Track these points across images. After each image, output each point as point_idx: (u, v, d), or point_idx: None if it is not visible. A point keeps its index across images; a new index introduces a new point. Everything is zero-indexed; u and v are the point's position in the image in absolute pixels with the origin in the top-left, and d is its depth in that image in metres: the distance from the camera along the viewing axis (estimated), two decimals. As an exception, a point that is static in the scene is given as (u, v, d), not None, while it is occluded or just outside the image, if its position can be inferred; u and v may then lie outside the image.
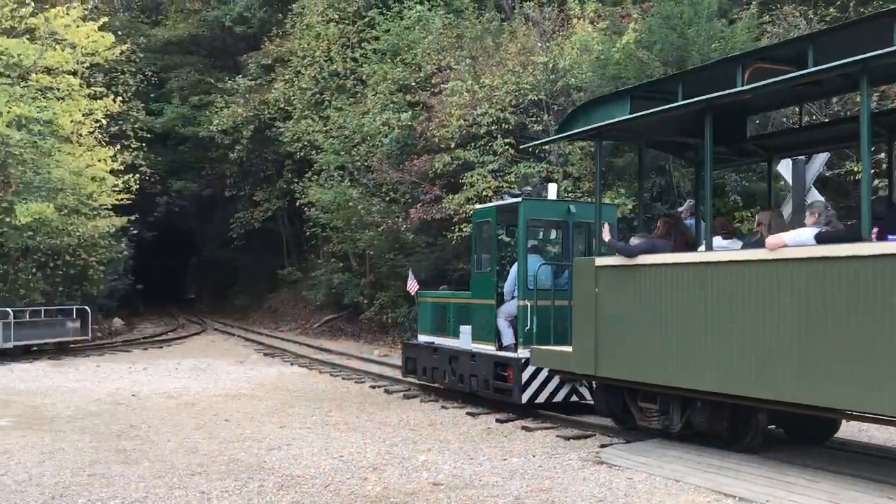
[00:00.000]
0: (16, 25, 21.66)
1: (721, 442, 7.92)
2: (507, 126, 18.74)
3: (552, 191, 11.60)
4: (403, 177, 22.01)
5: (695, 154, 10.04)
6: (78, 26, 22.57)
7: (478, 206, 13.17)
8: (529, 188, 12.22)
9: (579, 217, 10.98)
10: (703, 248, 7.86)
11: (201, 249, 54.43)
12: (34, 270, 23.38)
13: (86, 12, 23.93)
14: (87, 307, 22.51)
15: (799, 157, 10.38)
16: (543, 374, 10.30)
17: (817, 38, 7.27)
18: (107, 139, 26.92)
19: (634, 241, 8.85)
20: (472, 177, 18.75)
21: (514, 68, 19.55)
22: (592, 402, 10.11)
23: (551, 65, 18.94)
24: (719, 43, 15.59)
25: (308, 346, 23.46)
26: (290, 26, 34.36)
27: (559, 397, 10.60)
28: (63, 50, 22.25)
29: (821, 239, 6.72)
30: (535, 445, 8.62)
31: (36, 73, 22.03)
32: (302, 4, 33.03)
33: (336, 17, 30.62)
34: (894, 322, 5.86)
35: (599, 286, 8.62)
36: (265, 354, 21.00)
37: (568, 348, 9.31)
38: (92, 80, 26.38)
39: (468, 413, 10.92)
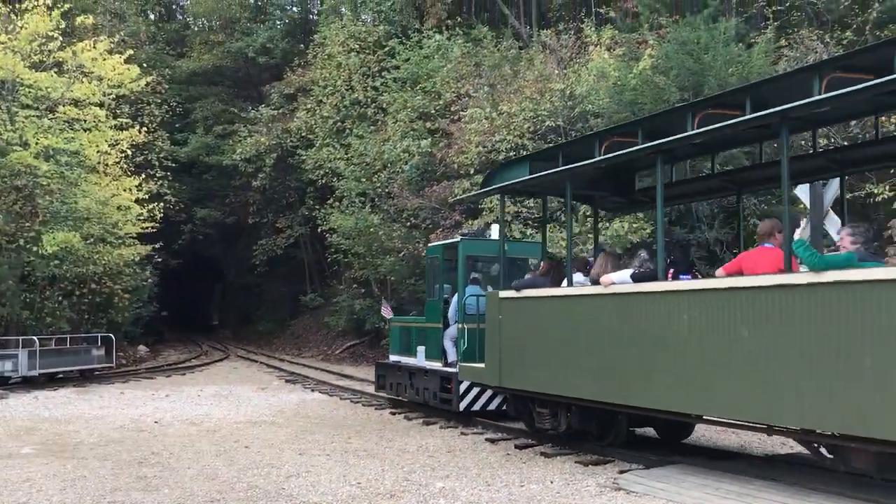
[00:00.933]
0: (44, 59, 22.16)
1: (593, 439, 9.74)
2: (525, 152, 18.88)
3: (495, 231, 12.85)
4: (424, 203, 22.18)
5: (593, 202, 12.01)
6: (105, 59, 23.04)
7: (430, 244, 15.07)
8: (476, 228, 14.77)
9: (512, 253, 12.34)
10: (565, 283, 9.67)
11: (225, 276, 54.93)
12: (60, 299, 23.73)
13: (112, 45, 24.42)
14: (111, 335, 22.76)
15: (816, 181, 10.35)
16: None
17: (642, 122, 9.11)
18: (132, 169, 27.37)
19: (528, 277, 10.74)
20: (491, 202, 18.86)
21: (531, 95, 19.71)
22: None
23: (568, 91, 19.08)
24: (736, 67, 15.62)
25: (329, 372, 23.52)
26: (311, 56, 34.94)
27: (492, 406, 12.27)
28: (90, 82, 22.72)
29: (635, 278, 8.48)
30: (553, 472, 8.59)
31: (63, 106, 22.49)
32: (323, 35, 33.59)
33: (357, 46, 31.08)
34: (679, 342, 7.64)
35: (503, 314, 10.44)
36: (287, 381, 21.08)
37: (482, 365, 10.99)
38: (118, 112, 26.88)
39: (487, 439, 10.90)
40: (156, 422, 12.92)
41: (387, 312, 16.35)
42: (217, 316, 64.64)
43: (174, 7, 51.72)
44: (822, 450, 7.16)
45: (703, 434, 11.01)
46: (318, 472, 8.68)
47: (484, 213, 19.02)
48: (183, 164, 39.32)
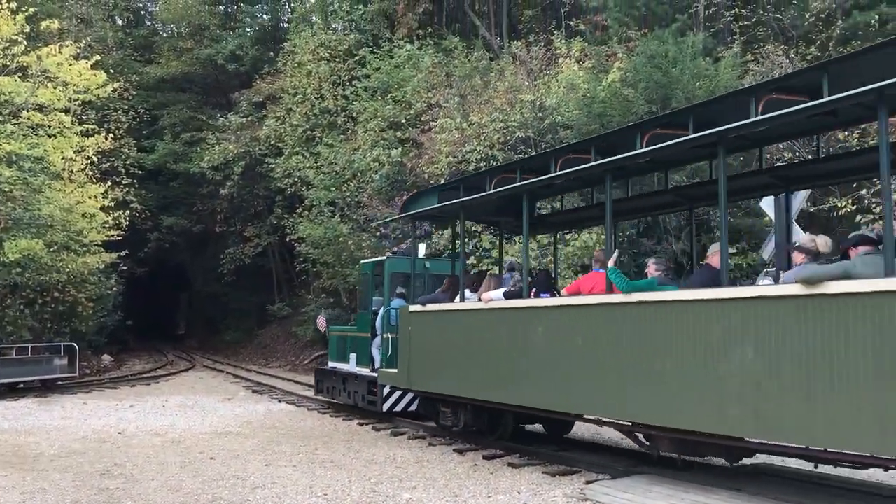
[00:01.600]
0: (8, 63, 21.81)
1: (487, 434, 11.26)
2: (495, 163, 18.93)
3: (422, 250, 14.64)
4: (394, 212, 22.13)
5: (499, 226, 14.05)
6: (70, 65, 22.73)
7: (362, 261, 16.65)
8: (405, 247, 16.51)
9: (433, 271, 14.19)
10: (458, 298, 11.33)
11: (192, 285, 54.32)
12: (22, 307, 23.26)
13: (79, 51, 24.10)
14: (75, 344, 22.33)
15: (781, 194, 10.51)
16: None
17: (521, 162, 11.46)
18: (98, 176, 27.00)
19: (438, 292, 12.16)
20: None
21: (502, 106, 19.79)
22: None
23: (538, 103, 19.17)
24: (704, 81, 15.82)
25: (297, 382, 23.31)
26: (281, 64, 34.78)
27: (413, 407, 13.39)
28: (55, 88, 22.39)
29: (506, 295, 10.17)
30: (520, 483, 8.59)
31: (28, 111, 22.14)
32: (293, 43, 33.46)
33: (327, 55, 30.99)
34: (537, 350, 9.22)
35: (412, 325, 11.92)
36: (253, 391, 20.87)
37: (396, 370, 12.39)
38: (84, 118, 26.53)
39: (455, 450, 10.87)
40: (119, 433, 12.72)
41: (321, 323, 18.29)
42: (183, 325, 63.85)
43: (142, 13, 51.18)
44: (641, 438, 8.57)
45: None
46: (285, 483, 8.59)
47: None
48: (150, 171, 38.87)
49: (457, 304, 11.18)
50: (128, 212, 27.45)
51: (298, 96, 31.50)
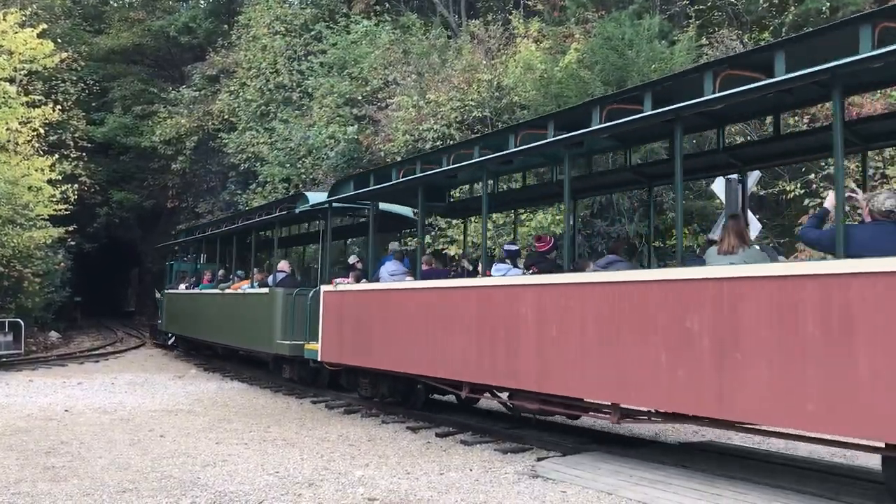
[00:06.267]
0: (-51, 31, 21.09)
1: (194, 351, 22.94)
2: (452, 142, 18.89)
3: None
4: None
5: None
6: (16, 33, 22.09)
7: (167, 262, 27.92)
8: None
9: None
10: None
11: (142, 262, 53.36)
12: (-35, 282, 22.67)
13: (24, 18, 23.40)
14: (20, 320, 21.84)
15: (732, 176, 10.66)
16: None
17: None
18: (45, 148, 26.35)
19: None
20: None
21: (459, 85, 19.72)
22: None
23: (496, 82, 19.15)
24: (659, 64, 15.94)
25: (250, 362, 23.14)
26: (236, 37, 34.16)
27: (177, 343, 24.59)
28: (-1, 56, 21.75)
29: (187, 287, 22.03)
30: (472, 459, 8.66)
31: (-30, 80, 21.46)
32: (248, 16, 32.89)
33: (283, 29, 30.55)
34: (206, 315, 19.83)
35: (167, 300, 24.58)
36: (205, 369, 20.62)
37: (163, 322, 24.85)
38: (30, 88, 25.82)
39: (408, 428, 10.91)
40: (66, 410, 12.49)
41: (158, 297, 28.44)
42: (134, 302, 62.78)
43: (92, -19, 49.67)
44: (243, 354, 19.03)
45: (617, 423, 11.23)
46: (236, 461, 8.53)
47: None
48: (99, 144, 38.03)
49: (177, 291, 22.84)
50: (76, 186, 26.86)
51: (253, 70, 31.01)
